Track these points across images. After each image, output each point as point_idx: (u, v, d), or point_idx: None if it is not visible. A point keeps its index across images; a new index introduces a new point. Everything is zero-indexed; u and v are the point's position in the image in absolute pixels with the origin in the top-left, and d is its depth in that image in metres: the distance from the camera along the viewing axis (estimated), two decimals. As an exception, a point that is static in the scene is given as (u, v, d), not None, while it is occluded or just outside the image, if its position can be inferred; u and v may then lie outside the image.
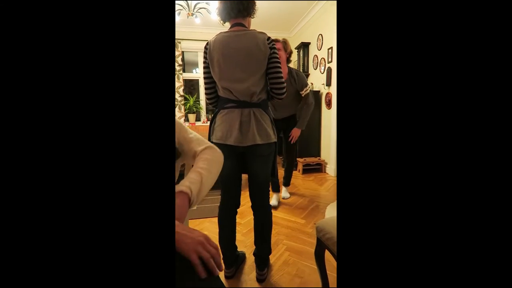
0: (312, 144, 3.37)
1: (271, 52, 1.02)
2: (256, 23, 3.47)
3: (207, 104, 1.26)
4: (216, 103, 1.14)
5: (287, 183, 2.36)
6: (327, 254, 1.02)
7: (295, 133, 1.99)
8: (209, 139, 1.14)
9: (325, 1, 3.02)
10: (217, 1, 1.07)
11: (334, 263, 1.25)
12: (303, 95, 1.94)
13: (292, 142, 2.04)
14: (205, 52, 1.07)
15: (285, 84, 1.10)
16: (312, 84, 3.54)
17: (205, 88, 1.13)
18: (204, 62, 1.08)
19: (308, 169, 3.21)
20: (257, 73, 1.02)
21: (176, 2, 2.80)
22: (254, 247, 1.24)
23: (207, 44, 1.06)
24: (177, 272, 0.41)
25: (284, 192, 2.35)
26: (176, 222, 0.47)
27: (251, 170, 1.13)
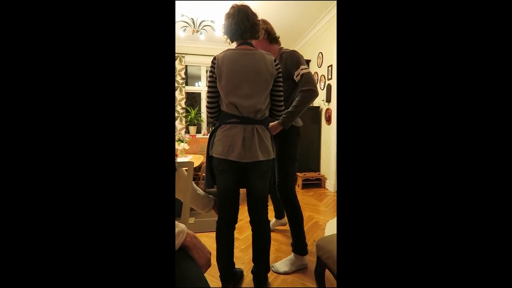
0: (311, 159, 3.38)
1: (277, 73, 1.09)
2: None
3: (208, 117, 1.21)
4: (217, 117, 1.15)
5: (300, 248, 1.38)
6: (327, 273, 1.00)
7: (273, 129, 1.22)
8: (208, 153, 1.14)
9: (326, 20, 3.14)
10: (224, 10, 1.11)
11: (335, 282, 1.21)
12: (297, 80, 1.26)
13: None
14: (212, 67, 1.08)
15: (284, 106, 1.16)
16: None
17: (208, 102, 1.13)
18: (211, 76, 1.09)
19: (308, 184, 3.19)
20: (263, 92, 1.07)
21: (182, 19, 2.91)
22: (252, 264, 1.22)
23: (214, 59, 1.07)
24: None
25: (283, 264, 1.38)
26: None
27: (250, 185, 1.13)
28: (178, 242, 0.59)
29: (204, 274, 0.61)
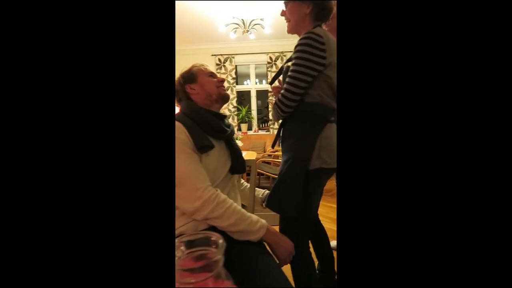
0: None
1: None
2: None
3: (282, 110, 0.84)
4: (293, 109, 0.84)
5: None
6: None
7: None
8: (305, 164, 0.79)
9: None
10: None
11: None
12: None
13: None
14: (319, 49, 0.77)
15: None
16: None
17: (295, 93, 0.80)
18: (314, 61, 0.77)
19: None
20: None
21: (233, 21, 3.01)
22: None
23: (320, 37, 0.77)
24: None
25: None
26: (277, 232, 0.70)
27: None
28: (258, 236, 0.64)
29: None
